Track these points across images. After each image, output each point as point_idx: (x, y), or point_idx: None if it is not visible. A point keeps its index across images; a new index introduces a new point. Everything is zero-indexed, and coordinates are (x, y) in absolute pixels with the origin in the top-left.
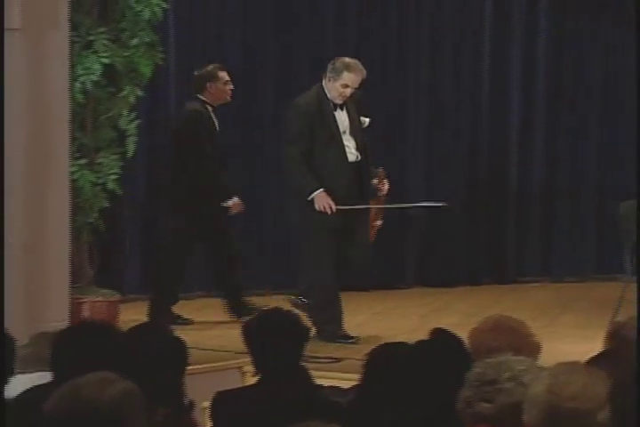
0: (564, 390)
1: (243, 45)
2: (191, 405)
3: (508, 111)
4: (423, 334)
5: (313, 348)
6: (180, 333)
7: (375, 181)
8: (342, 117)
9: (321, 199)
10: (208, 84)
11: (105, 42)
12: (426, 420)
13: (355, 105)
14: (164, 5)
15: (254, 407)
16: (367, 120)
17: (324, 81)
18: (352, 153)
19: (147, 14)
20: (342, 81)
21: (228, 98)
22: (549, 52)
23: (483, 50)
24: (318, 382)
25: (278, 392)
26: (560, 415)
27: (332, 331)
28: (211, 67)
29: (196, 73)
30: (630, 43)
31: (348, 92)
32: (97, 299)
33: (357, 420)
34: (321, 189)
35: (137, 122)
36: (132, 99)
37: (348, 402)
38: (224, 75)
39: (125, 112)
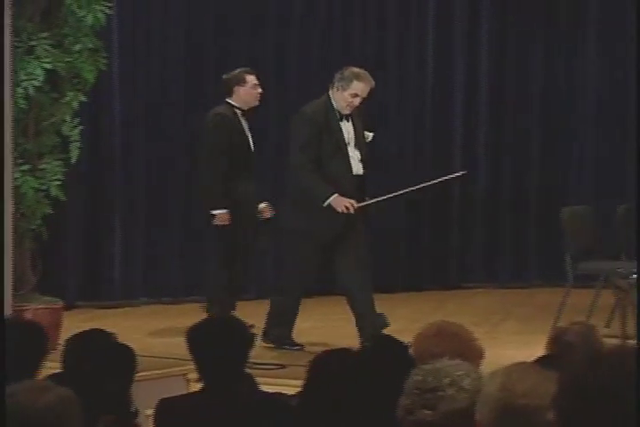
0: (516, 388)
1: (186, 50)
2: (135, 412)
3: (452, 116)
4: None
5: (258, 354)
6: (124, 339)
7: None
8: (348, 129)
9: (339, 202)
10: (236, 88)
11: (47, 47)
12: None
13: (359, 118)
14: (108, 11)
15: (198, 414)
16: (371, 135)
17: (330, 91)
18: (356, 165)
19: (90, 19)
20: (351, 90)
21: (257, 101)
22: (492, 57)
23: (426, 57)
24: (263, 388)
25: (222, 399)
26: (512, 412)
27: (279, 335)
28: (238, 70)
29: (224, 77)
30: (571, 46)
31: (357, 101)
32: (40, 306)
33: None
34: (336, 194)
35: (80, 128)
36: (75, 104)
37: (291, 408)
38: (252, 78)
39: (68, 118)
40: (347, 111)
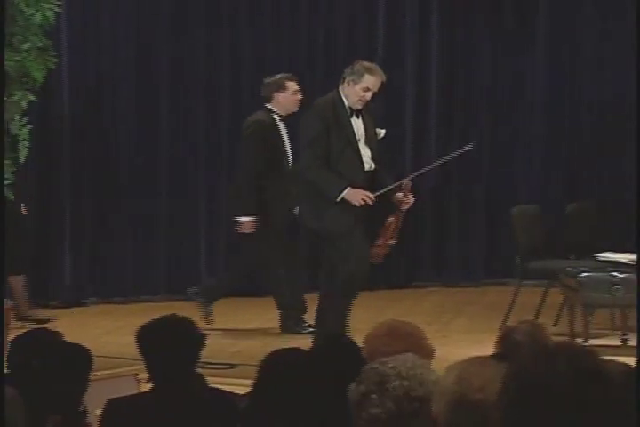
0: (472, 382)
1: (136, 49)
2: (84, 412)
3: (403, 114)
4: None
5: (210, 353)
6: (74, 339)
7: (400, 194)
8: (358, 125)
9: (355, 195)
10: (275, 94)
11: None
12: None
13: (369, 115)
14: (56, 9)
15: (147, 415)
16: (383, 131)
17: (340, 87)
18: (367, 162)
19: (38, 18)
20: (363, 84)
21: (296, 108)
22: (442, 55)
23: (375, 57)
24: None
25: (172, 399)
26: (467, 406)
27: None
28: (279, 76)
29: (265, 81)
30: (519, 44)
31: (369, 95)
32: None
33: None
34: (349, 188)
35: (29, 127)
36: (23, 104)
37: (242, 408)
38: (292, 84)
39: (17, 117)
40: (358, 106)
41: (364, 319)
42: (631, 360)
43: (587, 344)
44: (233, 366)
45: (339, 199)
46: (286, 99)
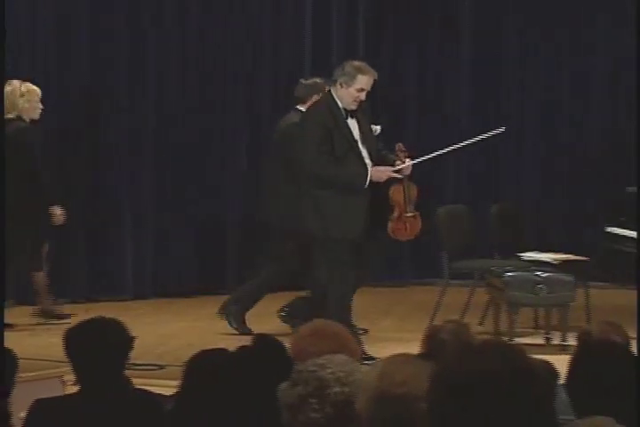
0: (395, 377)
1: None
2: (7, 415)
3: None
4: (246, 340)
5: (135, 355)
6: None
7: (398, 162)
8: (354, 126)
9: (380, 174)
10: (315, 97)
11: None
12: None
13: (362, 113)
14: None
15: (73, 416)
16: (378, 128)
17: (332, 89)
18: (368, 162)
19: None
20: (357, 85)
21: (354, 106)
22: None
23: (303, 59)
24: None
25: (98, 401)
26: (390, 400)
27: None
28: (320, 80)
29: (303, 82)
30: (444, 47)
31: (364, 96)
32: None
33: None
34: (369, 172)
35: None
36: None
37: (167, 410)
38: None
39: None
40: (353, 107)
41: None
42: (554, 358)
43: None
44: (160, 367)
45: (367, 184)
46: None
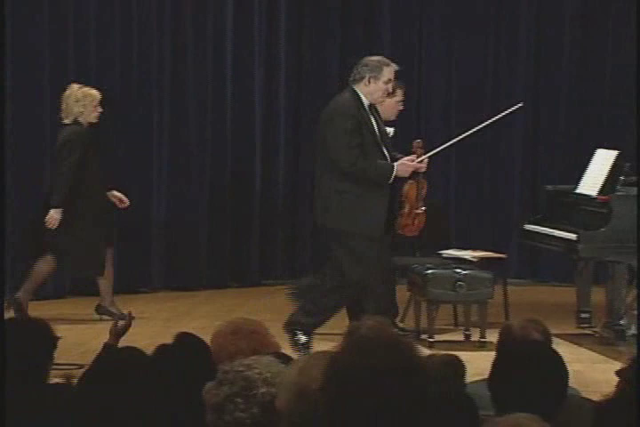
0: (312, 373)
1: None
2: None
3: (252, 120)
4: (167, 339)
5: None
6: None
7: (414, 157)
8: (375, 123)
9: (405, 168)
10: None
11: None
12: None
13: (378, 113)
14: None
15: None
16: (392, 130)
17: (357, 86)
18: (387, 159)
19: None
20: (385, 77)
21: (394, 116)
22: (289, 60)
23: (225, 63)
24: None
25: (20, 400)
26: (308, 396)
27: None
28: (394, 82)
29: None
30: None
31: (390, 87)
32: None
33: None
34: (396, 164)
35: None
36: None
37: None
38: (400, 93)
39: None
40: (382, 100)
41: (216, 317)
42: (473, 355)
43: (431, 340)
44: (80, 366)
45: (392, 180)
46: (392, 105)
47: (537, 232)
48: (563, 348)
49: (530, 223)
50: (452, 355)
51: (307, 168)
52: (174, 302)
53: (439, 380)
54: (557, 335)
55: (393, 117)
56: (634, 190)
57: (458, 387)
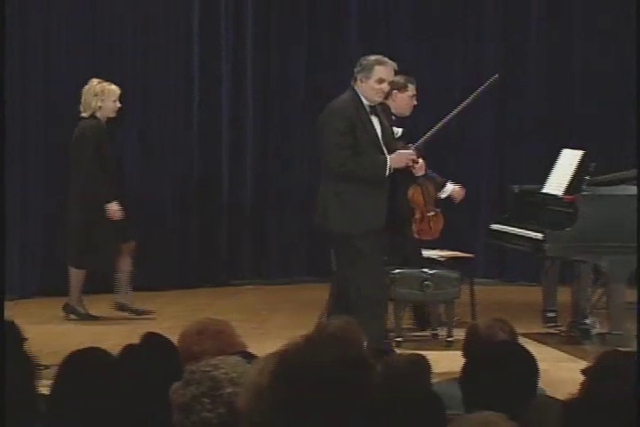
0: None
1: None
2: None
3: (219, 123)
4: (135, 339)
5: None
6: None
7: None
8: (376, 123)
9: (400, 159)
10: (394, 92)
11: None
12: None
13: (385, 114)
14: None
15: None
16: (400, 130)
17: (355, 85)
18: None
19: None
20: (376, 76)
21: (409, 112)
22: (256, 62)
23: (192, 65)
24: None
25: None
26: (267, 395)
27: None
28: (403, 77)
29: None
30: (333, 47)
31: (385, 87)
32: None
33: None
34: (388, 156)
35: None
36: None
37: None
38: (413, 88)
39: None
40: (378, 99)
41: (183, 318)
42: (440, 354)
43: (399, 339)
44: (46, 367)
45: (388, 173)
46: (404, 100)
47: (504, 232)
48: (529, 347)
49: (496, 223)
50: (417, 354)
51: (274, 171)
52: (142, 302)
53: (405, 378)
54: (524, 334)
55: (408, 113)
56: (599, 190)
57: (424, 386)
